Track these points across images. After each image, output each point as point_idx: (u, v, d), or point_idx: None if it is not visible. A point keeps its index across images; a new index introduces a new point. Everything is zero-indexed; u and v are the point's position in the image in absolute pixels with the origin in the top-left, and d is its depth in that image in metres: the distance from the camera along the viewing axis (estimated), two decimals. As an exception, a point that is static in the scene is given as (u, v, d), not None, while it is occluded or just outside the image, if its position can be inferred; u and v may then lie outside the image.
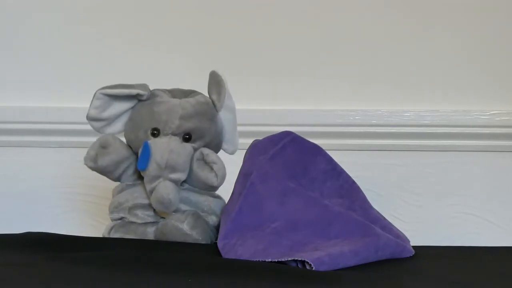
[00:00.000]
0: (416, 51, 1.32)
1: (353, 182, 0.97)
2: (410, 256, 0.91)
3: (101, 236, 0.95)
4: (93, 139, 1.30)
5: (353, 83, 1.31)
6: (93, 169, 0.97)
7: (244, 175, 0.93)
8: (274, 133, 0.97)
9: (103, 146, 0.96)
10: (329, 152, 1.29)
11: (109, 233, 0.94)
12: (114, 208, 0.96)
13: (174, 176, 0.91)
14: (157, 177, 0.91)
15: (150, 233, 0.93)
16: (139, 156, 0.92)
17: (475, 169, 1.30)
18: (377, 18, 1.32)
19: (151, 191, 0.91)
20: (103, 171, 0.97)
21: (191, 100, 0.96)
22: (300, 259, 0.77)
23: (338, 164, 0.97)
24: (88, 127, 1.31)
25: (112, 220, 0.96)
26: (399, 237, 0.93)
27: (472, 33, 1.31)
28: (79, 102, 1.32)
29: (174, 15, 1.34)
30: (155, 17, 1.34)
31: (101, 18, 1.35)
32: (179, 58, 1.32)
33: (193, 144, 0.94)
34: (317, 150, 0.97)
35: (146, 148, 0.91)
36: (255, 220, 0.87)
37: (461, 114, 1.28)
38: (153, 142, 0.92)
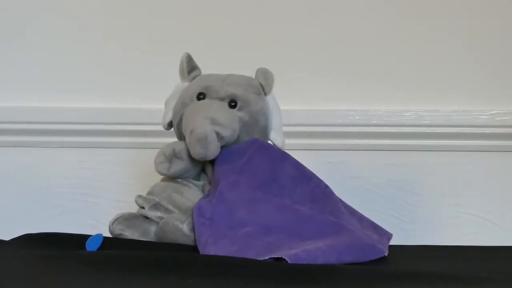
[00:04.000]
0: (416, 51, 1.32)
1: (326, 186, 0.96)
2: (410, 256, 0.91)
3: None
4: (92, 139, 1.31)
5: (354, 83, 1.31)
6: (162, 175, 0.97)
7: (213, 182, 0.94)
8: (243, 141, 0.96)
9: (179, 157, 0.94)
10: (329, 152, 1.30)
11: (113, 223, 0.94)
12: (148, 193, 0.97)
13: (215, 128, 0.90)
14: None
15: (152, 232, 0.93)
16: (90, 237, 0.88)
17: (475, 169, 1.29)
18: (377, 18, 1.32)
19: (191, 139, 0.91)
20: (170, 176, 0.97)
21: (239, 75, 0.99)
22: (277, 256, 0.78)
23: (307, 169, 0.96)
24: (88, 127, 1.32)
25: (137, 204, 0.96)
26: (372, 238, 0.92)
27: (472, 33, 1.31)
28: (79, 102, 1.33)
29: (173, 15, 1.34)
30: (155, 18, 1.34)
31: (102, 19, 1.35)
32: (177, 58, 1.32)
33: (239, 113, 0.95)
34: (284, 157, 0.96)
35: (99, 237, 0.88)
36: (227, 226, 0.87)
37: (461, 114, 1.28)
38: (197, 102, 0.94)
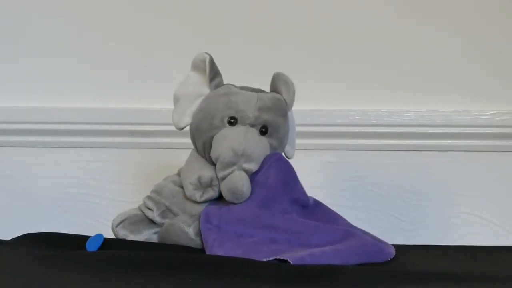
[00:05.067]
0: (416, 51, 1.32)
1: (319, 202, 0.97)
2: (410, 256, 0.91)
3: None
4: (92, 139, 1.31)
5: (353, 83, 1.31)
6: (193, 201, 0.94)
7: None
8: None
9: (213, 186, 0.93)
10: (329, 152, 1.30)
11: (117, 225, 0.93)
12: (154, 192, 0.96)
13: (248, 166, 0.90)
14: (231, 165, 0.90)
15: (155, 239, 0.93)
16: (91, 238, 0.88)
17: (475, 169, 1.30)
18: (377, 18, 1.32)
19: (223, 178, 0.90)
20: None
21: (267, 94, 0.96)
22: (281, 258, 0.78)
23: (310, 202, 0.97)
24: (88, 127, 1.32)
25: (145, 204, 0.95)
26: (381, 242, 0.93)
27: (472, 33, 1.31)
28: (79, 102, 1.33)
29: (173, 15, 1.34)
30: (156, 18, 1.34)
31: (102, 20, 1.35)
32: (177, 58, 1.32)
33: (269, 140, 0.94)
34: (296, 179, 0.95)
35: (99, 237, 0.89)
36: (234, 235, 0.87)
37: (461, 114, 1.28)
38: (230, 129, 0.92)
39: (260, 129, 0.94)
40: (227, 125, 0.93)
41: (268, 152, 0.94)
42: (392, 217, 1.29)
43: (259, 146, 0.92)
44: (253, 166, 0.91)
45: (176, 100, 0.99)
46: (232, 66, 1.27)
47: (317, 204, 0.97)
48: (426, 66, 1.32)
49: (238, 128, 0.93)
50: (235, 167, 0.90)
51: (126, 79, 1.34)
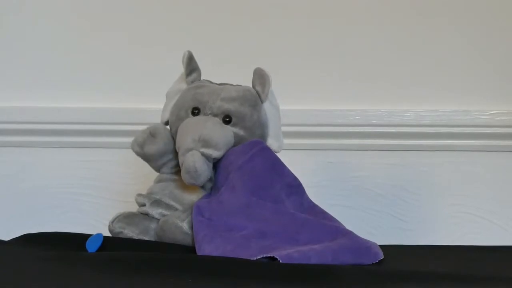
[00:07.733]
0: (416, 51, 1.32)
1: (314, 204, 0.96)
2: (409, 256, 0.91)
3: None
4: (92, 139, 1.32)
5: (353, 83, 1.31)
6: (138, 154, 0.98)
7: (215, 182, 0.94)
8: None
9: (152, 134, 0.96)
10: (329, 152, 1.30)
11: (112, 221, 0.94)
12: (147, 193, 0.98)
13: (206, 150, 0.90)
14: (189, 150, 0.91)
15: (152, 230, 0.93)
16: (91, 237, 0.88)
17: (475, 169, 1.30)
18: (377, 18, 1.32)
19: (182, 164, 0.91)
20: (147, 158, 0.98)
21: (236, 86, 0.98)
22: (269, 255, 0.78)
23: (301, 184, 0.97)
24: (88, 127, 1.32)
25: (137, 202, 0.97)
26: (368, 242, 0.92)
27: (472, 33, 1.31)
28: (79, 102, 1.33)
29: (174, 15, 1.34)
30: (156, 18, 1.34)
31: (100, 19, 1.35)
32: (178, 58, 1.32)
33: (233, 129, 0.95)
34: (283, 164, 0.95)
35: (99, 236, 0.89)
36: (224, 228, 0.87)
37: (461, 114, 1.29)
38: (191, 119, 0.94)
39: (223, 118, 0.95)
40: (190, 115, 0.96)
41: (232, 139, 0.94)
42: (392, 217, 1.29)
43: (219, 132, 0.92)
44: (212, 152, 0.91)
45: (166, 97, 1.02)
46: (232, 66, 1.27)
47: (313, 205, 0.96)
48: (426, 66, 1.31)
49: (198, 117, 0.95)
50: (192, 152, 0.90)
51: (126, 79, 1.34)
